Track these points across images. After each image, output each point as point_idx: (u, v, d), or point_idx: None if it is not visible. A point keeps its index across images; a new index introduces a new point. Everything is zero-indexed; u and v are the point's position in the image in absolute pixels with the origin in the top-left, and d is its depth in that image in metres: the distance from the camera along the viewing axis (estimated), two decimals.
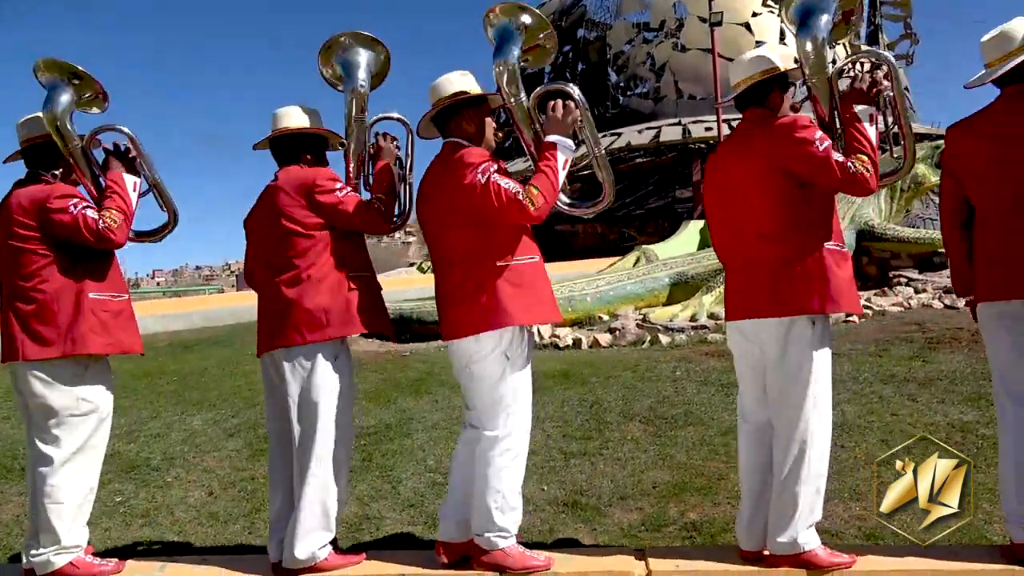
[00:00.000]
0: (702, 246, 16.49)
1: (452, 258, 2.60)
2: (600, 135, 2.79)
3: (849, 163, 2.37)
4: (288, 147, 2.81)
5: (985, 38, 2.53)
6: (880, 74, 2.52)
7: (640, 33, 24.89)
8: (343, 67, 2.81)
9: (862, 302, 8.27)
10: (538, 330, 7.55)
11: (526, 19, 2.60)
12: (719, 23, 14.67)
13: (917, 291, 8.36)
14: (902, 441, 3.69)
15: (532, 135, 2.68)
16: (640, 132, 21.92)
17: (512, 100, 2.62)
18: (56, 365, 2.62)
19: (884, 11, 25.62)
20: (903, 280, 8.84)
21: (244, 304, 13.93)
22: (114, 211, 2.68)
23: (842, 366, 5.32)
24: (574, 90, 2.65)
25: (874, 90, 2.50)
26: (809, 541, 2.45)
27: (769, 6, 23.12)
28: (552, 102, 2.61)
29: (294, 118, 2.79)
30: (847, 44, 24.49)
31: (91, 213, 2.65)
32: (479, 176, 2.45)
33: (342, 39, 2.80)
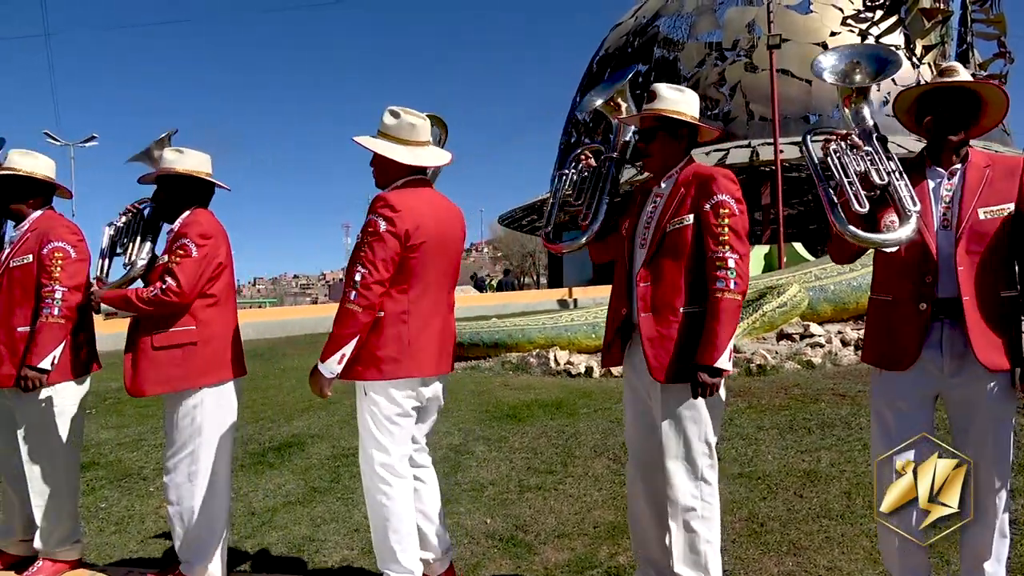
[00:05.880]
0: (764, 271, 16.02)
1: (448, 298, 2.82)
2: None
3: None
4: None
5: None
6: None
7: (712, 53, 24.54)
8: None
9: None
10: (554, 356, 7.57)
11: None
12: (778, 46, 14.37)
13: None
14: (864, 494, 3.57)
15: None
16: (707, 154, 21.54)
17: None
18: None
19: (976, 29, 24.34)
20: None
21: (294, 318, 14.55)
22: None
23: (840, 409, 5.13)
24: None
25: None
26: None
27: (848, 25, 22.42)
28: None
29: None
30: (932, 64, 23.54)
31: None
32: None
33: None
